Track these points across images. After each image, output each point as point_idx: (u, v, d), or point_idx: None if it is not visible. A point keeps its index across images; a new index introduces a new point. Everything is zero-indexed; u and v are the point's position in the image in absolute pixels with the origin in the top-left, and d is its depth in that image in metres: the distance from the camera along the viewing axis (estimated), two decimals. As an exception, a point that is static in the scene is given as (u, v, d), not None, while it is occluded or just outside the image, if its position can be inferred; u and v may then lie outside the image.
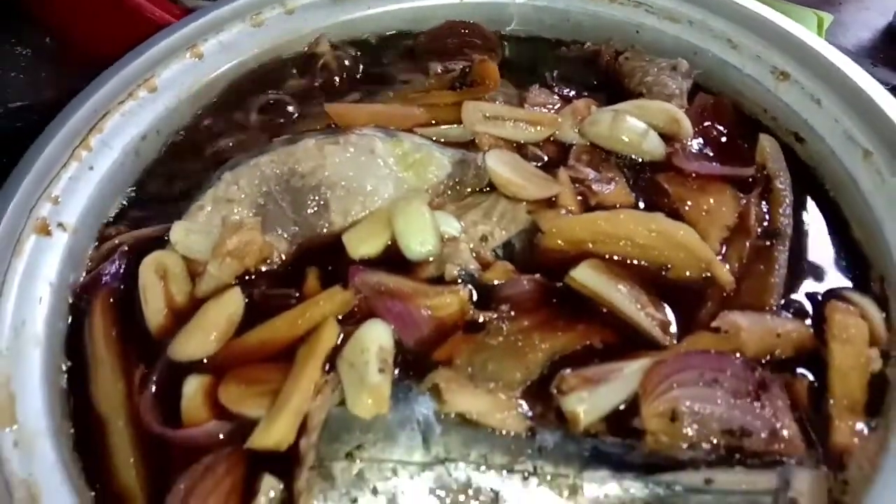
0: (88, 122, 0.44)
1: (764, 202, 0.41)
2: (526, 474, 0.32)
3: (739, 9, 0.46)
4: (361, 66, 0.52)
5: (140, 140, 0.47)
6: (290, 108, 0.48)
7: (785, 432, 0.32)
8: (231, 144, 0.47)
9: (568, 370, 0.35)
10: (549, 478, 0.32)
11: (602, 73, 0.50)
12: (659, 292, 0.38)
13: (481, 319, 0.38)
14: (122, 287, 0.41)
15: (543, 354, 0.36)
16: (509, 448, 0.33)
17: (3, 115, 0.79)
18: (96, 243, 0.43)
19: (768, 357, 0.35)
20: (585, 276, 0.38)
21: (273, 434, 0.33)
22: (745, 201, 0.41)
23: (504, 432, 0.33)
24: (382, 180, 0.43)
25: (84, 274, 0.42)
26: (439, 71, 0.50)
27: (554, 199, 0.42)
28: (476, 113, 0.45)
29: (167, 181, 0.47)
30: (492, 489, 0.32)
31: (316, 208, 0.42)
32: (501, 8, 0.52)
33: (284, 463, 0.33)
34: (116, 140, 0.45)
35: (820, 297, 0.38)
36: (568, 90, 0.48)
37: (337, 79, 0.50)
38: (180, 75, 0.48)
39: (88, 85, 0.46)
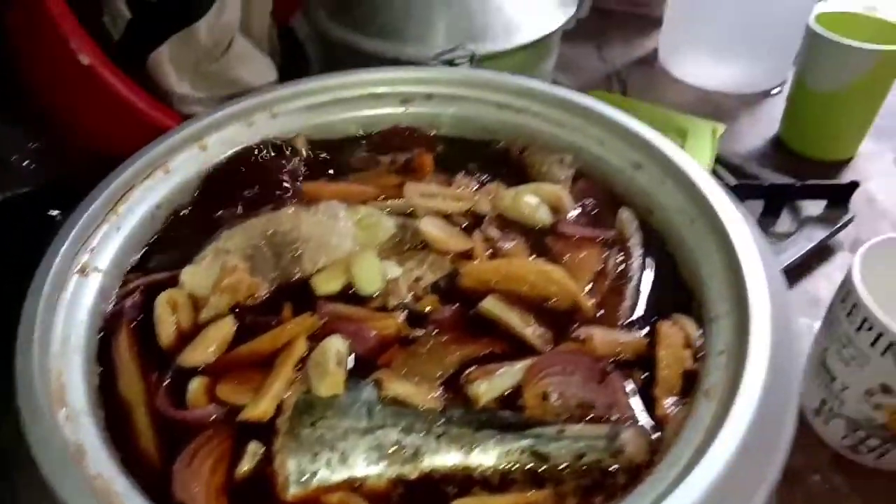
0: (118, 193, 0.58)
1: (621, 255, 0.56)
2: (438, 435, 0.45)
3: (607, 117, 0.62)
4: (329, 158, 0.67)
5: (155, 209, 0.60)
6: (274, 186, 0.63)
7: (619, 405, 0.46)
8: (224, 214, 0.61)
9: (473, 367, 0.49)
10: (454, 437, 0.45)
11: (511, 165, 0.66)
12: (542, 317, 0.52)
13: (413, 336, 0.51)
14: (139, 317, 0.54)
15: (457, 357, 0.50)
16: (427, 419, 0.46)
17: (18, 197, 0.93)
18: (120, 284, 0.56)
19: (615, 358, 0.49)
20: (491, 305, 0.52)
21: (259, 407, 0.46)
22: (607, 254, 0.56)
23: (425, 409, 0.46)
24: (343, 238, 0.57)
25: (111, 306, 0.55)
26: (388, 162, 0.65)
27: (470, 252, 0.57)
28: (415, 191, 0.60)
29: (174, 241, 0.60)
30: (414, 445, 0.44)
31: (291, 258, 0.56)
32: (435, 116, 0.68)
33: (265, 435, 0.46)
34: (138, 208, 0.59)
35: (654, 318, 0.52)
36: (485, 177, 0.64)
37: (309, 167, 0.65)
38: (188, 161, 0.63)
39: (119, 165, 0.60)
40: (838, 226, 0.93)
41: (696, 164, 0.58)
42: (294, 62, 1.03)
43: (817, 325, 0.71)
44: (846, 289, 0.63)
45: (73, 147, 0.94)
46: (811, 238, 0.91)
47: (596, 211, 0.60)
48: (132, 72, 0.86)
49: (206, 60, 0.92)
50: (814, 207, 0.95)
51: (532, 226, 0.59)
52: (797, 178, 1.00)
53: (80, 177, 0.94)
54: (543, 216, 0.59)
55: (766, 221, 0.94)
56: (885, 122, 1.06)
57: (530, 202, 0.59)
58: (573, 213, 0.60)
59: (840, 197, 0.94)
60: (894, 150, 1.11)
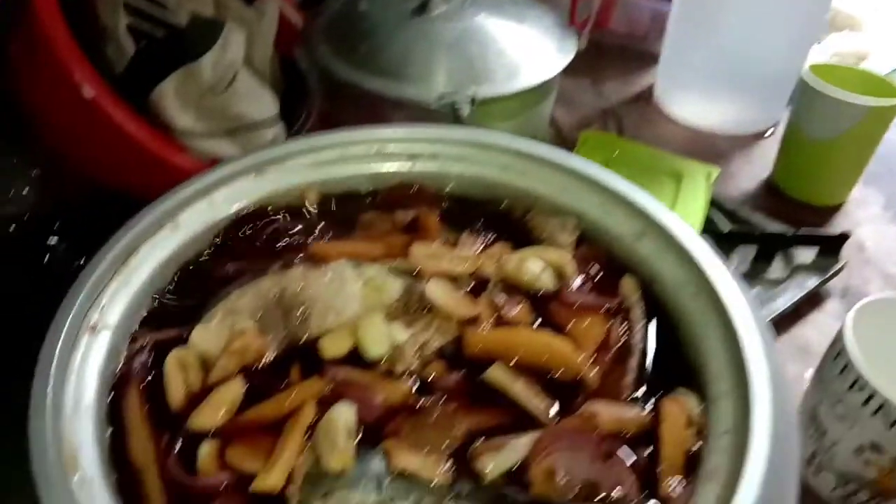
0: (127, 249, 0.59)
1: (624, 325, 0.58)
2: (447, 510, 0.46)
3: (610, 187, 0.64)
4: (336, 214, 0.68)
5: (163, 265, 0.61)
6: (283, 243, 0.63)
7: (625, 484, 0.47)
8: (233, 270, 0.62)
9: (480, 440, 0.50)
10: (463, 513, 0.46)
11: (515, 226, 0.67)
12: (546, 387, 0.54)
13: (420, 404, 0.52)
14: (149, 375, 0.54)
15: (463, 428, 0.50)
16: (436, 493, 0.47)
17: (16, 225, 0.93)
18: (129, 342, 0.57)
19: (619, 434, 0.50)
20: (495, 375, 0.53)
21: (269, 480, 0.46)
22: (610, 323, 0.57)
23: (433, 483, 0.47)
24: (350, 299, 0.58)
25: (120, 365, 0.55)
26: (394, 220, 0.66)
27: (476, 318, 0.57)
28: (421, 251, 0.61)
29: (184, 296, 0.61)
30: (423, 521, 0.46)
31: (300, 319, 0.57)
32: (442, 175, 0.69)
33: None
34: (146, 263, 0.59)
35: (658, 393, 0.53)
36: (489, 237, 0.65)
37: (317, 222, 0.66)
38: (196, 216, 0.63)
39: (128, 221, 0.60)
40: (829, 274, 0.95)
41: (698, 238, 0.59)
42: (296, 93, 1.04)
43: (807, 373, 0.73)
44: (838, 348, 0.65)
45: (73, 175, 0.95)
46: (802, 286, 0.93)
47: (600, 277, 0.61)
48: (135, 105, 0.86)
49: (209, 95, 0.93)
50: (806, 254, 0.97)
51: (536, 291, 0.60)
52: (789, 222, 1.02)
53: (78, 206, 0.95)
54: (547, 282, 0.60)
55: (758, 267, 0.96)
56: (875, 168, 1.08)
57: (534, 268, 0.60)
58: (577, 279, 0.61)
59: (832, 246, 0.96)
60: (884, 196, 1.13)
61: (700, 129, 1.26)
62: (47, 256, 0.90)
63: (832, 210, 1.10)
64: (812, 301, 0.94)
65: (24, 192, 0.99)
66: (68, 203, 0.94)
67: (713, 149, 1.22)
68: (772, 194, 1.13)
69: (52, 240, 0.91)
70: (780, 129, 1.15)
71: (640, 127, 1.26)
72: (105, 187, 0.90)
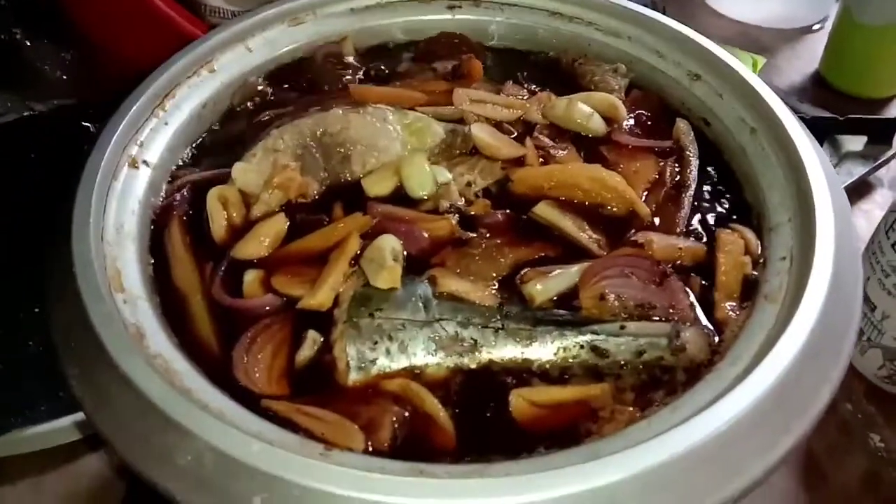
0: (165, 89, 0.57)
1: (677, 165, 0.55)
2: (496, 329, 0.45)
3: (665, 28, 0.61)
4: (375, 64, 0.66)
5: (202, 108, 0.59)
6: (321, 88, 0.62)
7: (680, 306, 0.45)
8: (272, 115, 0.60)
9: (528, 269, 0.49)
10: (511, 332, 0.45)
11: (561, 75, 0.64)
12: (596, 223, 0.52)
13: (466, 238, 0.51)
14: (189, 211, 0.54)
15: (510, 260, 0.49)
16: (485, 314, 0.46)
17: (52, 110, 0.92)
18: (169, 180, 0.56)
19: (674, 262, 0.49)
20: (544, 210, 0.52)
21: (317, 297, 0.46)
22: (662, 164, 0.55)
23: (481, 304, 0.46)
24: (392, 141, 0.56)
25: (161, 199, 0.54)
26: (435, 67, 0.64)
27: (521, 159, 0.56)
28: (464, 96, 0.59)
29: (222, 139, 0.60)
30: (472, 338, 0.44)
31: (341, 159, 0.55)
32: (485, 24, 0.67)
33: (323, 324, 0.46)
34: (184, 105, 0.58)
35: (713, 228, 0.52)
36: (535, 87, 0.63)
37: (356, 71, 0.64)
38: (233, 61, 0.61)
39: (166, 61, 0.58)
40: (879, 161, 0.91)
41: (755, 76, 0.56)
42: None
43: (856, 258, 0.70)
44: (891, 220, 0.63)
45: (105, 58, 0.93)
46: (851, 173, 0.89)
47: (650, 122, 0.59)
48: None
49: (239, -29, 0.90)
50: (854, 143, 0.93)
51: (585, 135, 0.58)
52: (837, 114, 0.98)
53: (112, 90, 0.93)
54: (597, 125, 0.58)
55: (805, 155, 0.92)
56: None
57: (584, 110, 0.58)
58: (627, 122, 0.59)
59: (883, 132, 0.92)
60: (937, 89, 1.08)
61: (746, 23, 1.21)
62: (84, 140, 0.89)
63: (882, 103, 1.06)
64: (860, 190, 0.91)
65: (58, 77, 0.97)
66: (102, 87, 0.93)
67: (759, 43, 1.17)
68: (819, 87, 1.09)
69: (88, 124, 0.91)
70: (829, 24, 1.10)
71: (682, 21, 1.21)
72: (138, 71, 0.88)
